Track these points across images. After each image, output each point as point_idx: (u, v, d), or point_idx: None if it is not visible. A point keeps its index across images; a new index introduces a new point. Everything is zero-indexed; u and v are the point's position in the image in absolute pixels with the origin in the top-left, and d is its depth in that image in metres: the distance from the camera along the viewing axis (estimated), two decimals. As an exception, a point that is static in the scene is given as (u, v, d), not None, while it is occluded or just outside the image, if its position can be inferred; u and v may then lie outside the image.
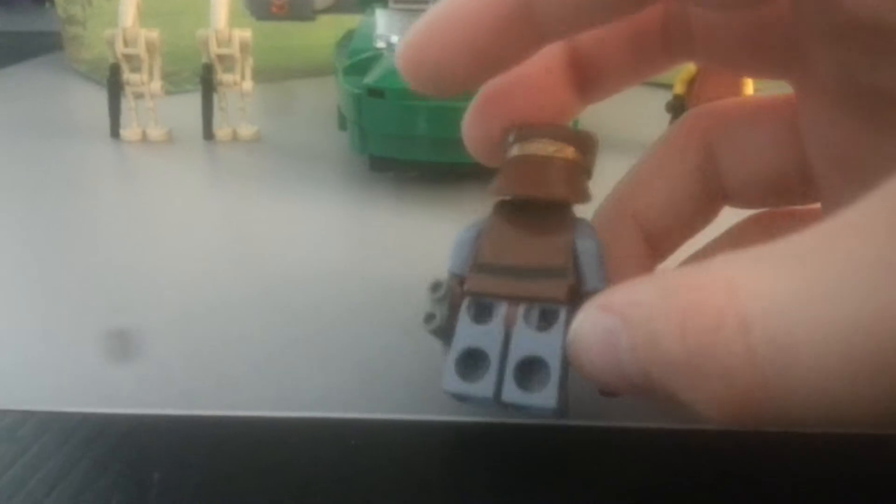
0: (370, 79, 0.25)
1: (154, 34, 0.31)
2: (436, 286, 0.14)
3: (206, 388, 0.16)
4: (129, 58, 0.31)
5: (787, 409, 0.09)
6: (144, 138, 0.33)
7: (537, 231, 0.14)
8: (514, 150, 0.15)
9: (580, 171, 0.14)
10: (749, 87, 0.27)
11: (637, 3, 0.13)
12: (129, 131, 0.33)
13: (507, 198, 0.15)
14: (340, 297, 0.20)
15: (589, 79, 0.15)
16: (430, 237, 0.23)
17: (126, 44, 0.31)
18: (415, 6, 0.32)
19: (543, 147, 0.14)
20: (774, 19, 0.14)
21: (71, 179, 0.29)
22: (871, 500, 0.13)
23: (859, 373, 0.08)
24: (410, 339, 0.17)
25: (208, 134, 0.33)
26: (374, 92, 0.24)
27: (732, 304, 0.09)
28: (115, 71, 0.32)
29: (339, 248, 0.23)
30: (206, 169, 0.30)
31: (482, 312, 0.14)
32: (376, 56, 0.26)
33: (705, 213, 0.17)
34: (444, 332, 0.14)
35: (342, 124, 0.29)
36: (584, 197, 0.14)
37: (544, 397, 0.12)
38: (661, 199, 0.16)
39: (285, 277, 0.21)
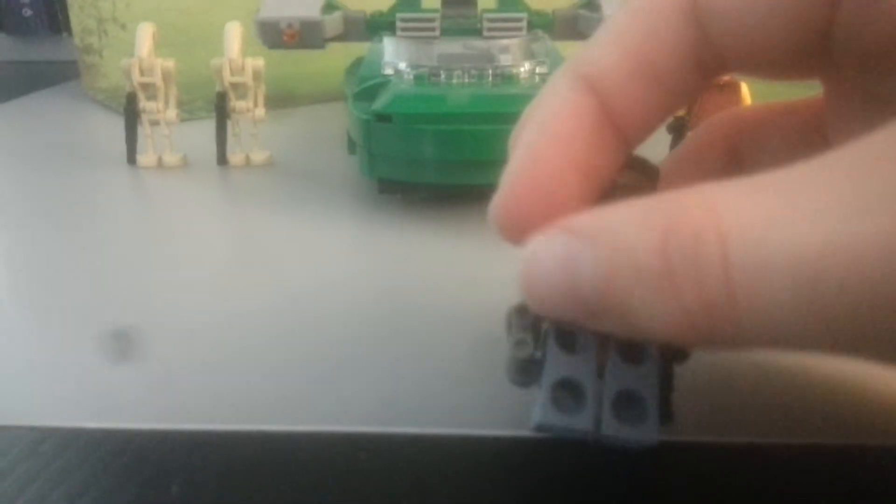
0: (378, 105, 0.25)
1: (170, 63, 0.32)
2: (522, 310, 0.13)
3: (221, 403, 0.16)
4: (145, 86, 0.32)
5: (749, 326, 0.09)
6: (160, 164, 0.33)
7: None
8: None
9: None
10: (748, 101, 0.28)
11: (701, 80, 0.13)
12: (146, 157, 0.33)
13: None
14: (351, 315, 0.20)
15: (624, 129, 0.14)
16: (437, 256, 0.24)
17: (143, 73, 0.32)
18: (421, 34, 0.33)
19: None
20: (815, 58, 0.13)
21: (89, 203, 0.29)
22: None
23: (824, 297, 0.09)
24: (417, 353, 0.18)
25: (222, 159, 0.33)
26: (383, 117, 0.25)
27: (713, 220, 0.10)
28: (132, 99, 0.32)
29: (348, 267, 0.24)
30: (220, 193, 0.31)
31: (567, 342, 0.13)
32: (384, 82, 0.27)
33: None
34: (534, 361, 0.13)
35: (352, 149, 0.30)
36: None
37: (645, 432, 0.12)
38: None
39: (297, 296, 0.21)
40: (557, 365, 0.13)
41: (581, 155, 0.13)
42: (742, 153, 0.16)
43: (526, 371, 0.13)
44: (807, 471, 0.14)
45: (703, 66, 0.13)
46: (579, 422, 0.12)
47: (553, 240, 0.11)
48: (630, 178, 0.14)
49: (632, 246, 0.10)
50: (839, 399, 0.16)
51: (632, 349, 0.13)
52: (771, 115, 0.17)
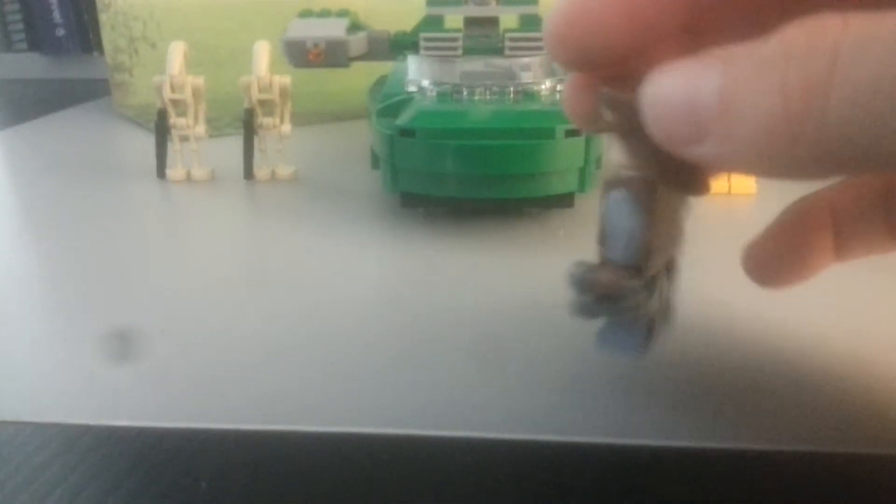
0: (402, 120, 0.26)
1: (199, 81, 0.33)
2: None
3: (248, 404, 0.17)
4: (175, 103, 0.33)
5: (837, 119, 0.10)
6: (189, 178, 0.34)
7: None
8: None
9: None
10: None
11: None
12: (175, 171, 0.34)
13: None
14: (373, 323, 0.21)
15: None
16: (457, 268, 0.24)
17: (173, 90, 0.33)
18: (444, 53, 0.33)
19: None
20: None
21: (120, 215, 0.30)
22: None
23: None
24: (436, 361, 0.19)
25: (249, 174, 0.34)
26: (406, 132, 0.26)
27: (839, 19, 0.10)
28: (162, 115, 0.33)
29: (370, 277, 0.24)
30: (247, 206, 0.32)
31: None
32: (408, 99, 0.28)
33: None
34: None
35: (375, 164, 0.30)
36: None
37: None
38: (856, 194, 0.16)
39: (321, 305, 0.22)
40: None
41: None
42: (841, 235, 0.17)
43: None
44: (806, 478, 0.14)
45: None
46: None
47: (680, 66, 0.12)
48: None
49: (755, 50, 0.11)
50: (844, 407, 0.16)
51: None
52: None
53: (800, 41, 0.10)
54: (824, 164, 0.10)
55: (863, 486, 0.14)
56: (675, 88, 0.11)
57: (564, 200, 0.27)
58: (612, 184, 0.14)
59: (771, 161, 0.11)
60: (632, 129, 0.13)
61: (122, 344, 0.20)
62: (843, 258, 0.17)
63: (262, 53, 0.33)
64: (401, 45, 0.36)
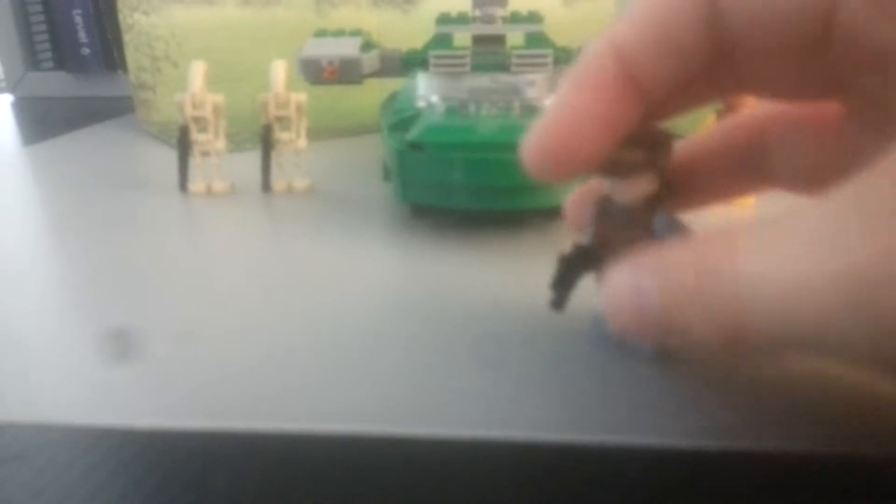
0: (412, 135, 0.27)
1: (220, 98, 0.34)
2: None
3: (263, 406, 0.18)
4: (197, 119, 0.34)
5: (763, 330, 0.12)
6: (209, 191, 0.36)
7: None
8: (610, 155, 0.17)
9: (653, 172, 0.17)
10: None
11: (715, 54, 0.15)
12: (196, 185, 0.36)
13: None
14: (384, 329, 0.21)
15: (645, 90, 0.16)
16: (465, 276, 0.25)
17: (195, 107, 0.34)
18: (453, 70, 0.35)
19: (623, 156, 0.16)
20: (819, 58, 0.15)
21: (144, 227, 0.32)
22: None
23: (809, 308, 0.11)
24: (445, 366, 0.19)
25: (266, 187, 0.36)
26: (415, 146, 0.27)
27: (733, 261, 0.12)
28: (184, 131, 0.35)
29: (382, 284, 0.25)
30: (265, 217, 0.33)
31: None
32: (417, 114, 0.29)
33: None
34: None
35: (387, 176, 0.31)
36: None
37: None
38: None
39: (335, 311, 0.23)
40: None
41: (604, 108, 0.16)
42: (767, 149, 0.18)
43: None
44: (808, 479, 0.15)
45: (717, 41, 0.15)
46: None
47: (625, 274, 0.14)
48: (632, 155, 0.16)
49: (680, 280, 0.13)
50: (847, 407, 0.16)
51: None
52: (798, 116, 0.18)
53: (711, 279, 0.13)
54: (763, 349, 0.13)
55: (862, 488, 0.15)
56: (623, 292, 0.14)
57: (567, 211, 0.28)
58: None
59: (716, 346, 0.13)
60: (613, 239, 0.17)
61: (143, 348, 0.20)
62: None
63: (279, 72, 0.34)
64: (411, 63, 0.37)
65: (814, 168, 0.18)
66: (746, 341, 0.13)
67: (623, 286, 0.14)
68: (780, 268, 0.12)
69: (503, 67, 0.35)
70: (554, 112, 0.16)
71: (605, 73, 0.16)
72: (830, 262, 0.11)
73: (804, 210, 0.12)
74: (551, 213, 0.28)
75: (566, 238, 0.28)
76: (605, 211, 0.18)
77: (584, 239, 0.18)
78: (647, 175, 0.17)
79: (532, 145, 0.17)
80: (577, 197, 0.20)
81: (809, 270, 0.11)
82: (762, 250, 0.12)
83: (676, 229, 0.17)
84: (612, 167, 0.17)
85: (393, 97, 0.35)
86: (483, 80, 0.32)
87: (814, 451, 0.15)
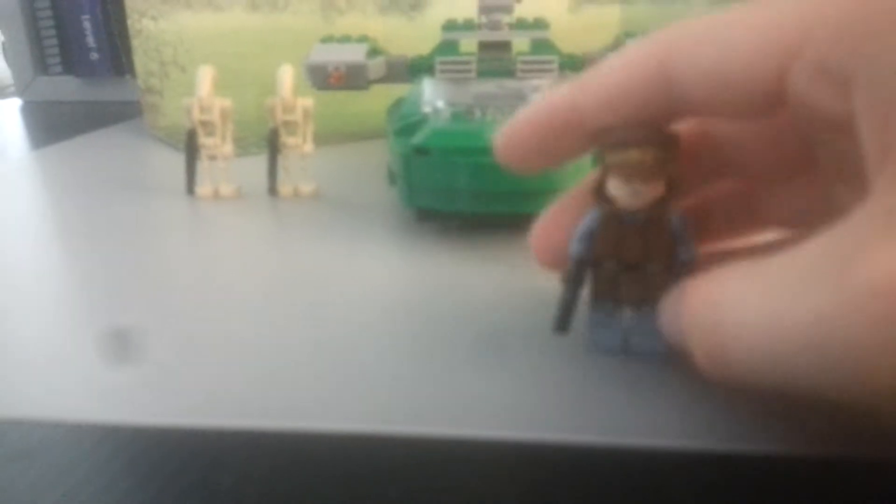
0: (417, 139, 0.27)
1: (227, 102, 0.35)
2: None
3: (269, 405, 0.18)
4: (204, 123, 0.35)
5: (736, 363, 0.14)
6: (216, 195, 0.36)
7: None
8: (617, 157, 0.17)
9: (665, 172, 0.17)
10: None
11: (669, 118, 0.17)
12: (203, 188, 0.36)
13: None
14: (389, 331, 0.22)
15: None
16: (470, 279, 0.25)
17: (202, 111, 0.34)
18: (458, 76, 0.35)
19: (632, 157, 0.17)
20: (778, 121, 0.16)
21: (151, 229, 0.32)
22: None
23: (770, 354, 0.13)
24: (449, 367, 0.19)
25: (273, 191, 0.36)
26: (421, 150, 0.27)
27: (712, 307, 0.15)
28: (192, 135, 0.35)
29: (387, 288, 0.25)
30: (271, 221, 0.33)
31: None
32: (423, 119, 0.29)
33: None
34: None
35: (392, 180, 0.32)
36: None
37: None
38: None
39: (340, 314, 0.23)
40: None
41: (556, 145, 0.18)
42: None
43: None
44: (810, 483, 0.15)
45: (671, 108, 0.16)
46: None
47: (670, 305, 0.17)
48: (649, 156, 0.16)
49: (679, 313, 0.16)
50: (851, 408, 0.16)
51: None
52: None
53: (695, 321, 0.15)
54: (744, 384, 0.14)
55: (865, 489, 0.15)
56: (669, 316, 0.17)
57: (572, 216, 0.28)
58: None
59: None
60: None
61: (150, 348, 0.21)
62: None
63: (286, 77, 0.34)
64: (417, 69, 0.38)
65: (801, 212, 0.19)
66: (731, 373, 0.14)
67: (669, 308, 0.17)
68: (752, 313, 0.13)
69: (509, 73, 0.35)
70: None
71: (563, 122, 0.18)
72: (793, 308, 0.13)
73: (776, 259, 0.14)
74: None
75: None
76: (612, 219, 0.18)
77: (575, 250, 0.18)
78: (663, 176, 0.17)
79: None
80: (548, 224, 0.20)
81: (776, 315, 0.13)
82: (737, 296, 0.14)
83: (688, 231, 0.17)
84: (630, 170, 0.16)
85: (399, 103, 0.36)
86: (489, 86, 0.33)
87: (814, 454, 0.15)
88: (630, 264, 0.18)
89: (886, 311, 0.11)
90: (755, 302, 0.13)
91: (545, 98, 0.18)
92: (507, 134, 0.19)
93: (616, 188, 0.17)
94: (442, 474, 0.15)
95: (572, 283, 0.18)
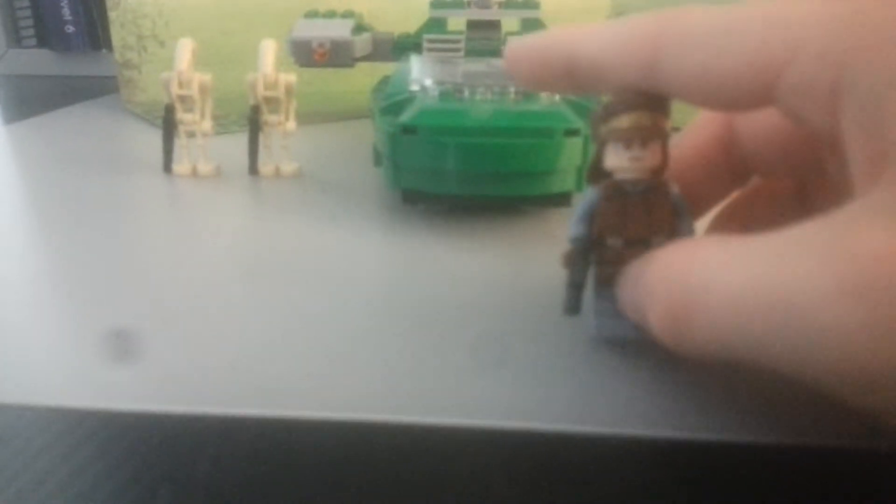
0: (405, 117, 0.27)
1: (207, 77, 0.34)
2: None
3: (247, 391, 0.17)
4: (183, 99, 0.34)
5: (698, 328, 0.13)
6: (195, 173, 0.35)
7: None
8: (616, 122, 0.17)
9: (663, 135, 0.17)
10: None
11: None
12: (181, 166, 0.35)
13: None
14: (372, 315, 0.21)
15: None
16: (457, 264, 0.25)
17: (181, 86, 0.33)
18: (446, 54, 0.34)
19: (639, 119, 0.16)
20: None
21: (126, 208, 0.31)
22: None
23: (737, 320, 0.13)
24: (434, 352, 0.19)
25: (253, 170, 0.35)
26: (408, 129, 0.26)
27: (681, 268, 0.14)
28: (169, 110, 0.34)
29: (372, 272, 0.24)
30: (251, 201, 0.32)
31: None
32: (411, 98, 0.28)
33: (730, 182, 0.20)
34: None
35: (377, 161, 0.31)
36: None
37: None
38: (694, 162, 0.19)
39: (321, 297, 0.22)
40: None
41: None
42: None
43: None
44: (803, 472, 0.15)
45: (658, 89, 0.16)
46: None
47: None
48: (648, 119, 0.16)
49: (646, 281, 0.15)
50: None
51: None
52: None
53: (669, 280, 0.15)
54: (709, 356, 0.14)
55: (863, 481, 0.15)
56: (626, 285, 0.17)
57: (562, 199, 0.28)
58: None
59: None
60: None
61: (124, 331, 0.20)
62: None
63: (269, 51, 0.33)
64: (404, 47, 0.37)
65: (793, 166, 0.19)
66: (693, 342, 0.14)
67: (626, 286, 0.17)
68: (726, 277, 0.13)
69: (498, 53, 0.34)
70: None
71: (561, 66, 0.18)
72: (772, 274, 0.12)
73: (760, 235, 0.13)
74: (545, 202, 0.28)
75: (560, 227, 0.28)
76: (616, 193, 0.17)
77: (576, 231, 0.18)
78: (660, 140, 0.17)
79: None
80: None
81: (752, 280, 0.12)
82: (711, 261, 0.14)
83: (687, 204, 0.17)
84: (631, 134, 0.16)
85: (385, 81, 0.35)
86: (478, 65, 0.32)
87: (814, 444, 0.15)
88: (634, 239, 0.17)
89: (875, 283, 0.11)
90: (731, 267, 0.13)
91: (551, 35, 0.18)
92: (513, 50, 0.18)
93: (615, 158, 0.17)
94: (424, 462, 0.15)
95: (578, 265, 0.18)
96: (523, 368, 0.18)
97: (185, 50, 0.33)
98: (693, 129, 0.20)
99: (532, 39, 0.18)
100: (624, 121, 0.16)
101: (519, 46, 0.18)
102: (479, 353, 0.19)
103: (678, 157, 0.18)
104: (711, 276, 0.13)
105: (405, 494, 0.14)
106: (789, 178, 0.20)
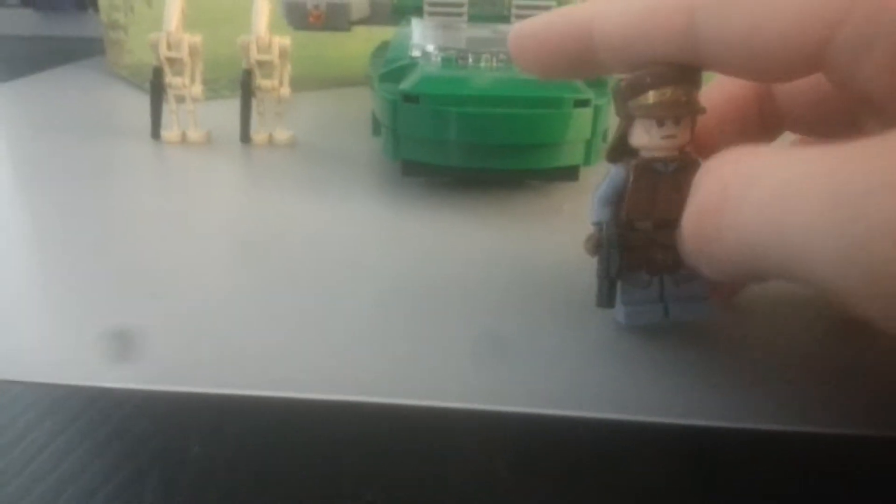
0: (406, 85, 0.25)
1: (197, 39, 0.32)
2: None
3: (240, 369, 0.17)
4: (171, 61, 0.32)
5: (728, 226, 0.13)
6: (184, 140, 0.34)
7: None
8: (649, 98, 0.16)
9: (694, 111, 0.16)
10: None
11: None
12: (170, 133, 0.34)
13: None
14: (369, 291, 0.20)
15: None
16: (457, 238, 0.24)
17: (170, 47, 0.32)
18: (448, 17, 0.33)
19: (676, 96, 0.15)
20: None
21: (112, 177, 0.30)
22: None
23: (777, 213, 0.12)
24: (431, 328, 0.18)
25: (245, 137, 0.34)
26: (410, 97, 0.25)
27: (727, 171, 0.13)
28: (158, 74, 0.33)
29: (369, 246, 0.24)
30: (243, 170, 0.31)
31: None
32: (412, 64, 0.27)
33: (760, 137, 0.18)
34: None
35: (376, 130, 0.30)
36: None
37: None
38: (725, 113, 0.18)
39: (315, 271, 0.21)
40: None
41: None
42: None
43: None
44: (804, 459, 0.14)
45: (691, 63, 0.15)
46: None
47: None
48: (681, 93, 0.15)
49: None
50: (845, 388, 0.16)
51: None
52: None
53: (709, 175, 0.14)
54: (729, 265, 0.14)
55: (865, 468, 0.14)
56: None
57: (569, 173, 0.27)
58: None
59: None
60: None
61: (111, 306, 0.19)
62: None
63: (262, 12, 0.32)
64: (404, 10, 0.35)
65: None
66: (723, 245, 0.13)
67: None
68: (771, 174, 0.12)
69: (503, 18, 0.33)
70: None
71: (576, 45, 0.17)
72: (812, 169, 0.11)
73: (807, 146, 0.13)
74: (552, 175, 0.27)
75: (565, 202, 0.27)
76: (648, 173, 0.16)
77: (600, 214, 0.16)
78: (692, 115, 0.16)
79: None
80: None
81: (792, 177, 0.12)
82: (761, 158, 0.13)
83: None
84: (665, 110, 0.15)
85: (384, 46, 0.34)
86: (482, 31, 0.31)
87: (817, 431, 0.15)
88: (663, 221, 0.16)
89: None
90: (780, 164, 0.12)
91: (563, 13, 0.17)
92: (520, 35, 0.17)
93: (646, 135, 0.16)
94: (417, 442, 0.15)
95: (611, 253, 0.16)
96: (521, 347, 0.18)
97: (173, 8, 0.32)
98: (726, 79, 0.19)
99: (539, 21, 0.17)
100: (657, 96, 0.15)
101: (525, 31, 0.17)
102: (477, 327, 0.18)
103: (709, 107, 0.17)
104: (760, 171, 0.13)
105: (406, 478, 0.14)
106: (821, 135, 0.19)
